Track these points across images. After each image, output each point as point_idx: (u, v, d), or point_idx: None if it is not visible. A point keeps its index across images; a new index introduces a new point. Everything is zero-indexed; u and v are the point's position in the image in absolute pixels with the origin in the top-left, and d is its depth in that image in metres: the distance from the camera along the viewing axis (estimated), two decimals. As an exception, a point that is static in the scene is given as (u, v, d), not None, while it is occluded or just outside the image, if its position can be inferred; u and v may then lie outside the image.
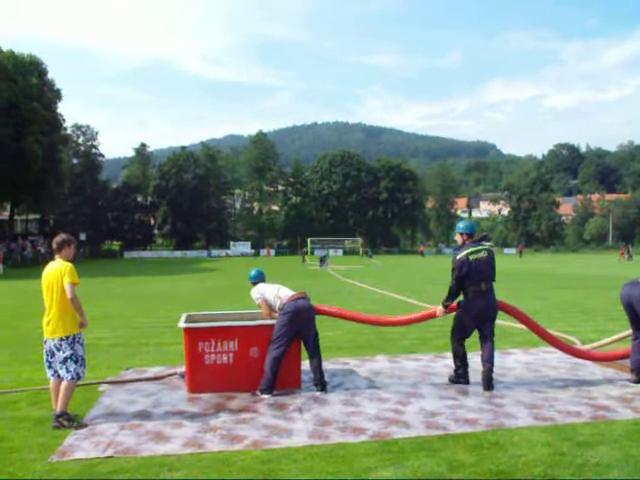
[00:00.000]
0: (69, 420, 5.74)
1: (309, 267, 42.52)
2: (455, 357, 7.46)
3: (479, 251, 7.20)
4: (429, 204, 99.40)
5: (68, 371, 5.86)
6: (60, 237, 6.17)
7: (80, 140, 75.69)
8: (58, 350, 5.88)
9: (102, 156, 78.55)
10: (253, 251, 76.18)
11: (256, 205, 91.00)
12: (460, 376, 7.35)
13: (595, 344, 8.80)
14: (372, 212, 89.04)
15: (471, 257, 7.14)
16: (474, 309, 7.16)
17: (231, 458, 4.87)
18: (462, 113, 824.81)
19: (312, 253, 74.40)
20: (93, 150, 76.52)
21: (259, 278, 7.71)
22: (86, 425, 5.75)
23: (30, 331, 11.68)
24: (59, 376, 5.94)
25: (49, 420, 5.82)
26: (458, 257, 7.22)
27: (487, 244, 7.53)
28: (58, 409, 5.77)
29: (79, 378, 5.97)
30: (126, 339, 10.95)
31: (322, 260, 42.68)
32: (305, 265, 47.29)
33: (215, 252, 77.03)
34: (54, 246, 6.11)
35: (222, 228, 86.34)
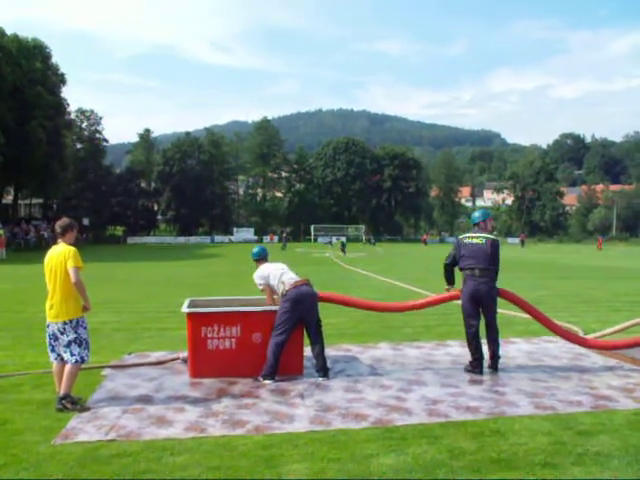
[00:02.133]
0: (72, 403, 5.76)
1: (312, 255, 42.45)
2: (468, 346, 7.50)
3: (476, 237, 7.46)
4: (433, 193, 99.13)
5: (72, 354, 5.88)
6: (64, 221, 6.17)
7: (84, 125, 75.48)
8: (62, 334, 5.90)
9: (106, 141, 78.40)
10: (256, 237, 76.16)
11: (260, 191, 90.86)
12: (474, 366, 7.37)
13: (598, 334, 8.80)
14: (376, 200, 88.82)
15: (466, 240, 7.53)
16: (467, 290, 7.39)
17: (233, 443, 4.89)
18: (467, 102, 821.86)
19: (315, 240, 74.44)
20: (97, 135, 76.26)
21: (262, 255, 7.73)
22: (89, 408, 5.78)
23: (33, 315, 11.71)
24: (62, 359, 5.96)
25: (52, 403, 5.85)
26: (457, 238, 7.79)
27: (492, 234, 7.64)
28: (62, 392, 5.80)
29: (83, 361, 5.99)
30: (129, 324, 10.99)
31: (342, 247, 43.62)
32: (284, 251, 46.64)
33: (218, 238, 76.87)
34: (58, 230, 6.11)
35: (225, 214, 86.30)
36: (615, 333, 8.59)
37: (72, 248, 5.96)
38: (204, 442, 4.92)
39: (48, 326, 6.00)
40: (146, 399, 6.15)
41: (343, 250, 43.19)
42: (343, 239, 49.49)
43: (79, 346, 5.91)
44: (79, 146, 74.97)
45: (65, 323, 5.89)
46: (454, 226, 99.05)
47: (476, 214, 7.86)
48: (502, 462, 4.49)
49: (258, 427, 5.28)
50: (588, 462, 4.50)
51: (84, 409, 5.74)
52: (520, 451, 4.71)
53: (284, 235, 58.55)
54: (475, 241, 7.42)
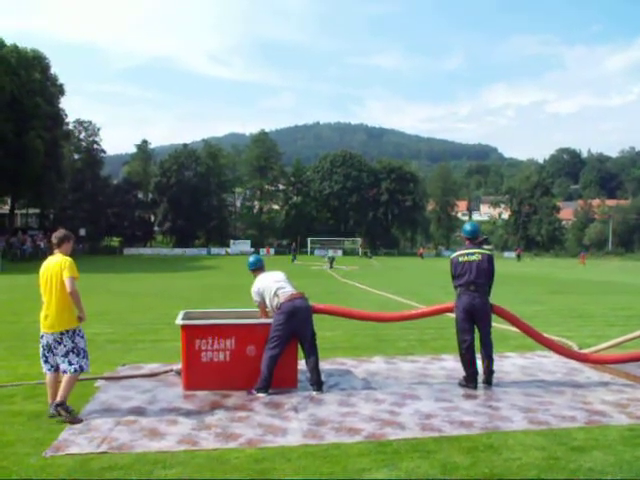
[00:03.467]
0: (67, 411, 5.75)
1: (310, 267, 42.32)
2: (461, 360, 7.48)
3: (472, 254, 7.38)
4: (429, 206, 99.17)
5: (70, 364, 5.91)
6: (60, 232, 6.24)
7: (82, 136, 75.61)
8: (59, 344, 5.92)
9: (103, 152, 78.45)
10: (253, 250, 76.11)
11: (257, 204, 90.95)
12: (468, 381, 7.34)
13: (593, 348, 8.79)
14: (372, 213, 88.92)
15: (461, 258, 7.46)
16: (461, 305, 7.37)
17: (225, 456, 4.87)
18: (464, 116, 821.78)
19: (312, 253, 74.36)
20: (94, 146, 76.37)
21: (257, 265, 7.71)
22: (81, 420, 5.76)
23: (28, 325, 11.68)
24: (56, 370, 5.98)
25: (44, 414, 5.84)
26: (451, 257, 7.66)
27: (486, 248, 7.63)
28: (58, 398, 5.79)
29: (82, 370, 6.03)
30: (123, 335, 10.96)
31: (331, 262, 42.99)
32: (294, 264, 45.97)
33: (215, 250, 76.89)
34: (54, 241, 6.17)
35: (222, 226, 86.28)
36: (610, 348, 8.58)
37: (68, 258, 6.02)
38: (196, 455, 4.90)
39: (42, 337, 6.00)
40: (139, 411, 6.12)
41: (331, 264, 42.69)
42: (332, 254, 48.03)
43: (77, 355, 5.96)
44: (77, 157, 75.12)
45: (62, 333, 5.91)
46: (450, 240, 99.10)
47: (469, 228, 7.80)
48: (495, 477, 4.48)
49: (251, 440, 5.26)
50: (581, 478, 4.49)
51: (76, 420, 5.72)
52: (514, 466, 4.70)
53: (293, 247, 58.19)
54: (472, 258, 7.37)
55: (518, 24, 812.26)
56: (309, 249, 77.03)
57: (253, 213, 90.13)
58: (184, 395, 6.80)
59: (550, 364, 8.78)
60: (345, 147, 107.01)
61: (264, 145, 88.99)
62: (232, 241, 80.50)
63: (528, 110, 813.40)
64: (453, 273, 7.54)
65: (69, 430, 5.46)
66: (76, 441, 5.18)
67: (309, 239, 78.82)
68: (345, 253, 77.12)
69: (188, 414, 6.02)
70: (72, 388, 5.94)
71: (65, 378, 5.88)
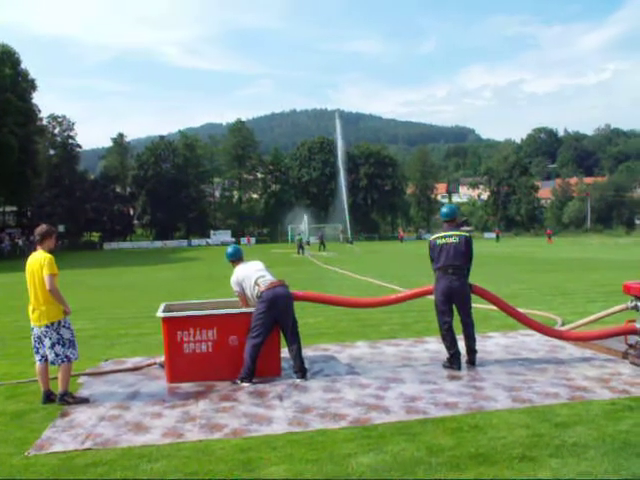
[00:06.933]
0: (72, 397, 6.12)
1: (291, 255, 42.20)
2: (443, 342, 7.52)
3: (450, 236, 7.42)
4: (409, 190, 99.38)
5: (57, 355, 6.12)
6: (42, 228, 6.37)
7: (56, 131, 74.94)
8: (45, 336, 6.13)
9: (79, 147, 77.86)
10: (234, 239, 75.90)
11: (236, 193, 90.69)
12: (452, 362, 7.37)
13: (572, 325, 8.86)
14: (352, 199, 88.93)
15: (438, 241, 7.49)
16: (440, 288, 7.42)
17: (211, 447, 4.86)
18: (442, 99, 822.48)
19: (292, 241, 74.17)
20: (70, 141, 75.80)
21: (236, 256, 7.67)
22: (87, 399, 6.22)
23: (7, 325, 11.57)
24: (46, 360, 6.21)
25: (26, 414, 5.82)
26: (429, 240, 7.73)
27: (465, 230, 7.65)
28: (60, 389, 6.11)
29: (69, 360, 6.19)
30: (105, 330, 10.88)
31: (299, 245, 42.52)
32: (325, 252, 43.23)
33: (195, 241, 76.77)
34: (36, 237, 6.31)
35: (202, 217, 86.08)
36: (589, 323, 8.64)
37: (48, 255, 6.16)
38: (182, 447, 4.87)
39: (32, 329, 6.26)
40: (123, 406, 6.08)
41: (301, 248, 41.82)
42: (301, 236, 45.78)
43: (62, 346, 6.15)
44: (52, 152, 74.35)
45: (47, 327, 6.12)
46: (431, 223, 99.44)
47: (445, 210, 7.82)
48: (480, 457, 4.50)
49: (236, 430, 5.24)
50: (565, 453, 4.52)
51: (84, 400, 6.16)
52: (498, 445, 4.73)
53: (321, 234, 54.75)
54: (450, 240, 7.38)
55: (494, 5, 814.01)
56: (289, 236, 76.75)
57: (232, 203, 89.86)
58: (168, 388, 6.77)
59: (533, 342, 8.85)
60: (322, 134, 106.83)
61: (241, 134, 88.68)
62: (212, 231, 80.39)
63: (505, 90, 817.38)
64: (431, 256, 7.58)
65: (52, 428, 5.40)
66: (60, 439, 5.13)
67: (289, 226, 78.58)
68: (326, 239, 76.91)
69: (172, 407, 5.99)
70: (68, 376, 6.19)
71: (60, 369, 6.12)
